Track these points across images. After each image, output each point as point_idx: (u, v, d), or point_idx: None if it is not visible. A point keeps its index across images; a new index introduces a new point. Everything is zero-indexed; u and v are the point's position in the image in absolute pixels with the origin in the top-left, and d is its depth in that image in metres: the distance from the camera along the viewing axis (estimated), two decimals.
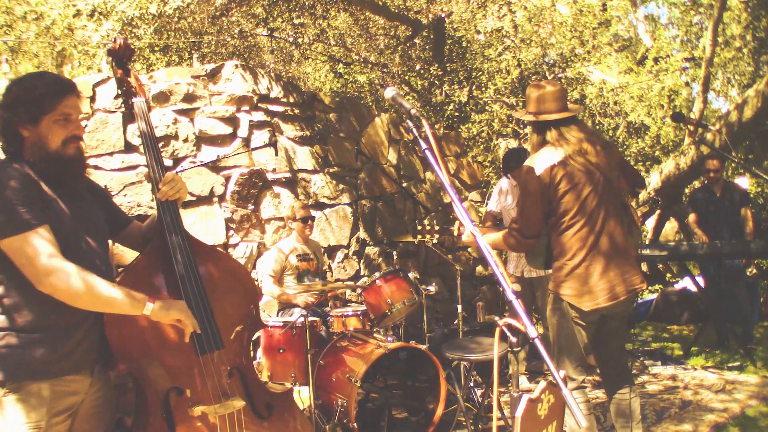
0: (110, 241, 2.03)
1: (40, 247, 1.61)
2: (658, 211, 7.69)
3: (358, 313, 3.74)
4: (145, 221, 2.16)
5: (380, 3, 7.31)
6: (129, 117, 2.15)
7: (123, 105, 2.17)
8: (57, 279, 1.61)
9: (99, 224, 1.91)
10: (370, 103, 8.38)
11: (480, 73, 7.49)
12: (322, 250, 4.78)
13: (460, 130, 7.21)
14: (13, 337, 1.64)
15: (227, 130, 4.66)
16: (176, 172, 3.82)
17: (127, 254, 4.02)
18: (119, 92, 2.12)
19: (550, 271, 2.69)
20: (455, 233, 2.96)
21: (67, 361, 1.70)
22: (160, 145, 4.35)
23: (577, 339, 2.54)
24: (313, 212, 4.61)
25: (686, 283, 6.83)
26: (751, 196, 7.34)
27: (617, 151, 2.75)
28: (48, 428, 1.66)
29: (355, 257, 5.44)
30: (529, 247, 2.65)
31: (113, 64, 2.13)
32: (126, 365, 1.85)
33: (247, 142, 4.75)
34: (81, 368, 1.75)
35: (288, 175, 5.00)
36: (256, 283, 4.55)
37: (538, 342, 1.29)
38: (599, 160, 2.53)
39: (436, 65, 7.68)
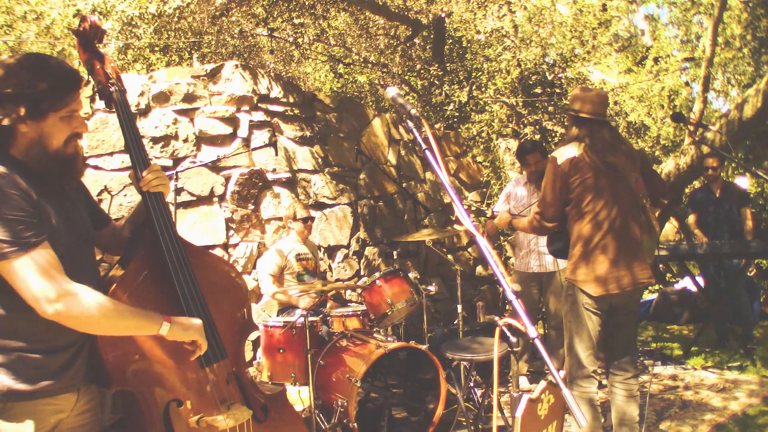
0: None
1: (44, 269, 1.43)
2: (658, 211, 7.70)
3: (358, 313, 3.73)
4: (120, 221, 1.95)
5: (380, 3, 7.31)
6: (106, 105, 1.95)
7: (97, 94, 1.92)
8: (68, 305, 1.44)
9: (87, 227, 1.75)
10: (370, 103, 8.39)
11: (480, 73, 7.49)
12: (321, 249, 4.78)
13: (460, 130, 7.21)
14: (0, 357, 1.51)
15: (227, 130, 4.66)
16: (176, 172, 3.83)
17: None
18: (89, 78, 1.90)
19: (562, 266, 2.79)
20: (489, 214, 3.23)
21: (57, 382, 1.57)
22: (160, 145, 4.38)
23: (588, 326, 2.68)
24: (312, 212, 4.61)
25: (686, 283, 6.83)
26: (751, 196, 7.35)
27: (643, 158, 2.97)
28: None
29: (355, 257, 5.44)
30: (549, 230, 2.87)
31: (80, 47, 1.86)
32: (122, 385, 1.72)
33: (247, 142, 4.75)
34: (70, 388, 1.62)
35: (288, 175, 5.00)
36: (256, 282, 4.55)
37: (538, 342, 1.29)
38: (618, 160, 2.73)
39: (436, 65, 7.68)
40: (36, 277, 1.42)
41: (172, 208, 3.60)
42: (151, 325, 1.61)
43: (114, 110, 1.88)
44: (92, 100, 4.17)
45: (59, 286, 1.44)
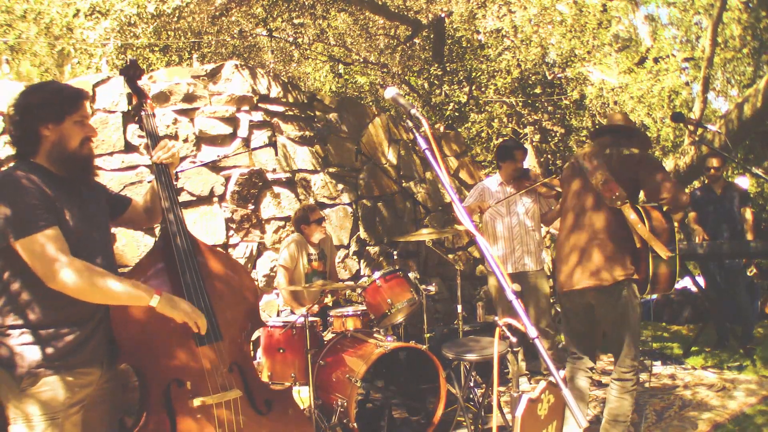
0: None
1: (51, 247, 1.71)
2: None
3: (358, 313, 3.73)
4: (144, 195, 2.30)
5: (380, 3, 7.31)
6: (139, 127, 2.43)
7: (134, 119, 2.38)
8: (67, 276, 1.70)
9: (102, 220, 2.02)
10: (370, 103, 8.39)
11: (480, 73, 7.49)
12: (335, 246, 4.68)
13: (460, 130, 7.21)
14: (27, 334, 1.73)
15: (227, 130, 4.66)
16: (176, 172, 3.83)
17: (126, 254, 4.02)
18: (130, 108, 2.38)
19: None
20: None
21: (80, 355, 1.79)
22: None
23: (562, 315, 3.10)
24: None
25: (686, 283, 6.83)
26: (751, 196, 7.35)
27: (639, 163, 2.85)
28: (64, 420, 1.75)
29: (355, 257, 5.44)
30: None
31: (127, 82, 2.35)
32: (130, 359, 1.92)
33: (247, 142, 4.75)
34: (94, 361, 1.85)
35: (288, 175, 5.00)
36: (256, 282, 4.55)
37: (538, 342, 1.29)
38: (591, 164, 2.90)
39: (436, 65, 7.68)
40: (44, 253, 1.70)
41: None
42: (143, 297, 1.83)
43: (145, 135, 2.31)
44: (92, 99, 4.18)
45: (64, 260, 1.71)
